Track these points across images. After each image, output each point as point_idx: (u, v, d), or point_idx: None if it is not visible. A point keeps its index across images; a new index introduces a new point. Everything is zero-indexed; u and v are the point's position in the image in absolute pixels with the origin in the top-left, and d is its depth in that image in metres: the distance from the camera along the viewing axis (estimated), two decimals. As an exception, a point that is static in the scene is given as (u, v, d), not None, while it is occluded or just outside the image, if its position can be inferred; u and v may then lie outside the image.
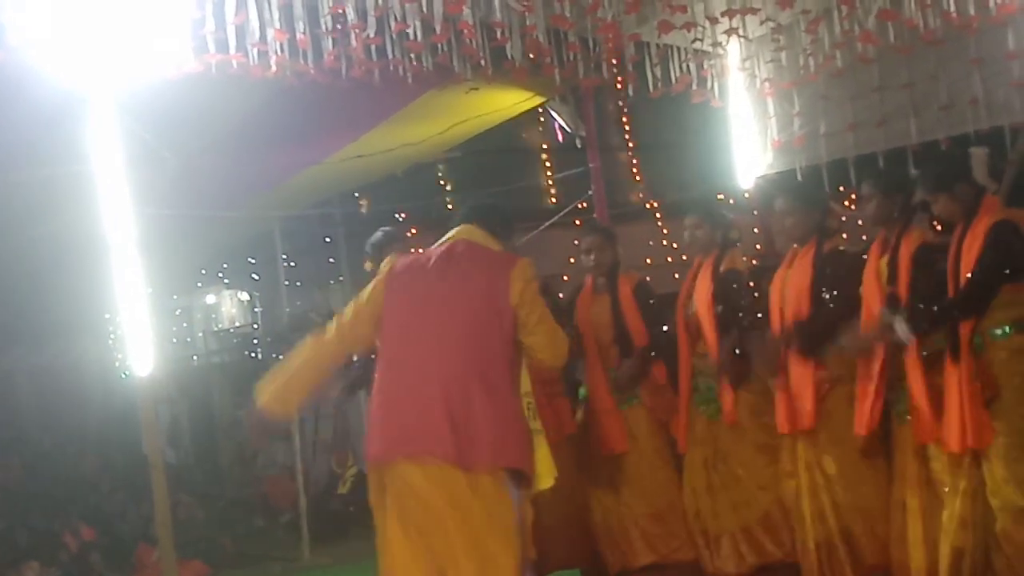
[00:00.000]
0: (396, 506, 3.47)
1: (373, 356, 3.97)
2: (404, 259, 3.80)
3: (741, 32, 5.62)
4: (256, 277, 11.34)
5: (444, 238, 3.85)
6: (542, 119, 11.51)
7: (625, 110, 13.08)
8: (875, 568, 4.53)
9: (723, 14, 5.34)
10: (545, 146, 12.60)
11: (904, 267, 4.33)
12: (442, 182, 12.21)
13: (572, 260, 11.47)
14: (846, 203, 10.66)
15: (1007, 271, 4.00)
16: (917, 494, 4.27)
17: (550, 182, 12.24)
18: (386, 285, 3.69)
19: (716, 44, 5.91)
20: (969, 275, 4.04)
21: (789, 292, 4.75)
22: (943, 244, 4.40)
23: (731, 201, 10.99)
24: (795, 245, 4.89)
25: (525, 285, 3.57)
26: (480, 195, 4.10)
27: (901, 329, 4.10)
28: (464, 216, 3.95)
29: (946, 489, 4.14)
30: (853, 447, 4.52)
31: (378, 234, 5.17)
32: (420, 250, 3.88)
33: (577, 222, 9.03)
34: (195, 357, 13.03)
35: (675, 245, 12.68)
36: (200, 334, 13.06)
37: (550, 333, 3.64)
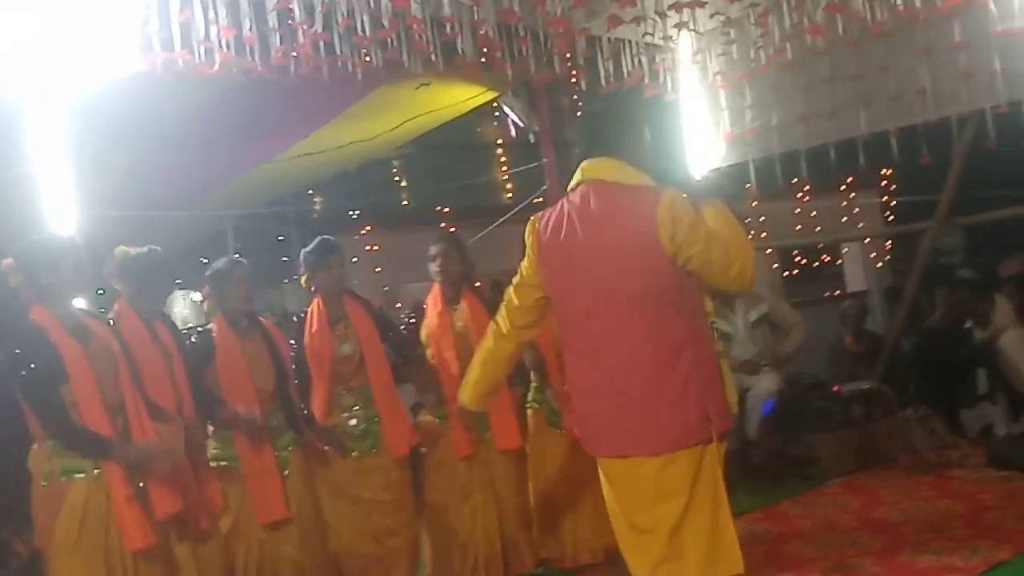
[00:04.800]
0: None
1: None
2: (545, 225, 3.31)
3: (691, 26, 5.64)
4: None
5: (574, 181, 3.32)
6: (497, 114, 11.46)
7: (579, 104, 13.08)
8: None
9: (672, 8, 5.34)
10: (500, 141, 12.56)
11: None
12: (397, 178, 12.14)
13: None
14: (799, 195, 10.81)
15: None
16: None
17: (506, 177, 12.20)
18: (540, 261, 3.31)
19: (667, 38, 5.92)
20: None
21: None
22: None
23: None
24: None
25: (675, 221, 3.01)
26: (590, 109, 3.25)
27: None
28: (586, 143, 3.35)
29: None
30: None
31: (315, 245, 5.02)
32: (561, 204, 3.33)
33: (532, 218, 9.02)
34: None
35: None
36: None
37: (720, 260, 3.06)
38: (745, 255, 3.13)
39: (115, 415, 3.70)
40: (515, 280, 3.47)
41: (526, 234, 3.39)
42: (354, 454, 4.89)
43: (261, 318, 4.94)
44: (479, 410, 3.68)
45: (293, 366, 4.88)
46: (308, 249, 5.03)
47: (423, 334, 5.27)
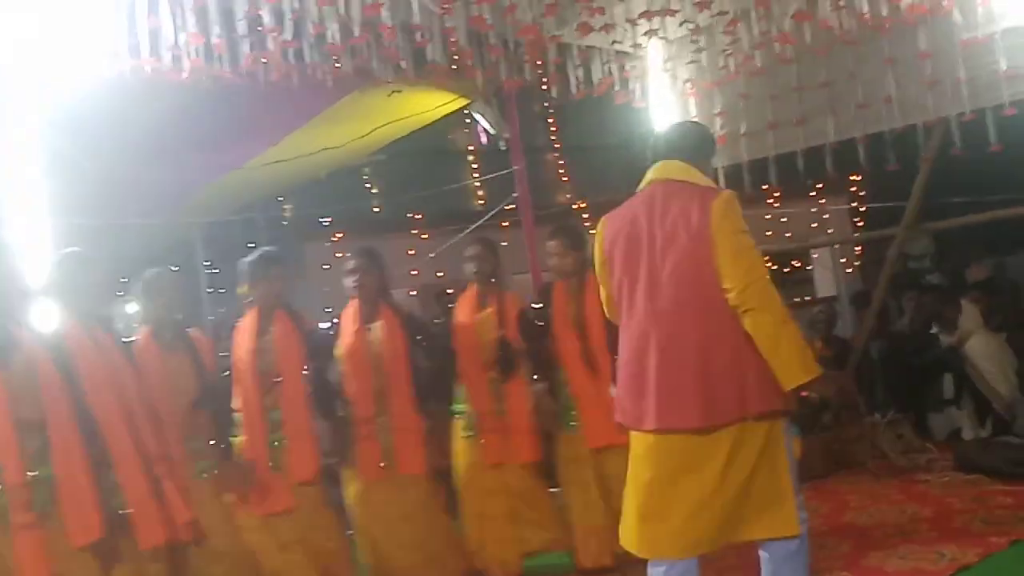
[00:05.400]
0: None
1: None
2: (612, 223, 3.60)
3: (661, 33, 5.67)
4: (179, 284, 11.11)
5: (644, 181, 3.62)
6: (468, 121, 11.48)
7: (551, 111, 13.12)
8: None
9: (641, 15, 5.37)
10: (471, 148, 12.58)
11: None
12: (368, 185, 12.12)
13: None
14: (769, 201, 10.89)
15: None
16: None
17: (477, 184, 12.22)
18: (606, 257, 3.60)
19: (637, 46, 5.96)
20: None
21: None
22: None
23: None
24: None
25: (724, 212, 3.31)
26: (669, 126, 3.92)
27: None
28: (656, 150, 3.66)
29: None
30: None
31: (256, 256, 4.89)
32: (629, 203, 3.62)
33: (505, 224, 9.04)
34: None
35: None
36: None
37: (731, 259, 3.28)
38: (753, 279, 3.29)
39: (29, 434, 3.48)
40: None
41: (596, 236, 3.70)
42: None
43: (189, 330, 4.75)
44: None
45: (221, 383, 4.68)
46: (249, 259, 4.90)
47: (337, 351, 5.08)
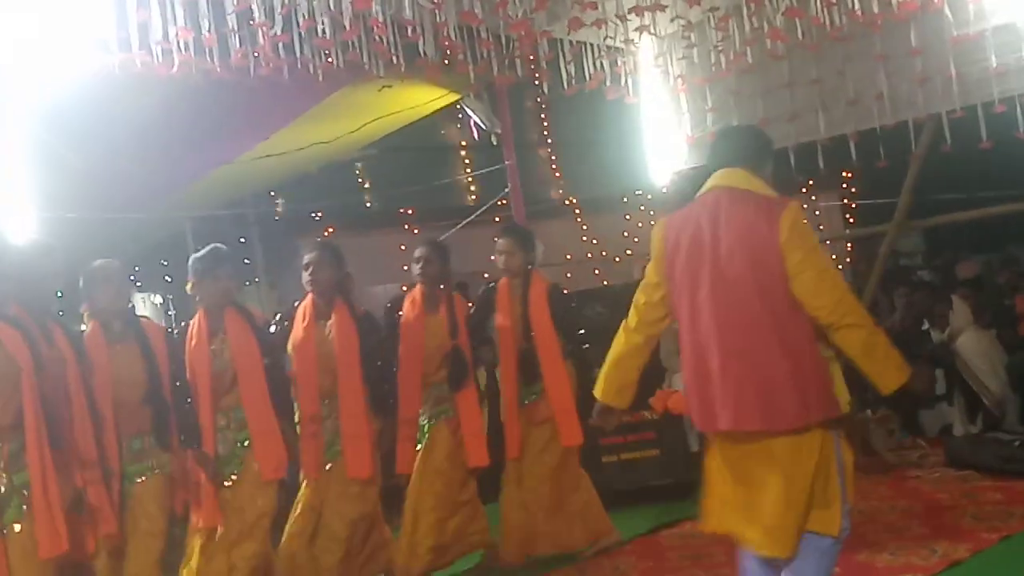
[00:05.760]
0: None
1: None
2: (673, 225, 3.61)
3: (652, 29, 5.66)
4: (169, 279, 11.11)
5: (705, 187, 3.63)
6: (460, 116, 11.47)
7: (544, 107, 13.11)
8: None
9: (632, 11, 5.36)
10: (463, 143, 12.57)
11: None
12: (360, 180, 12.11)
13: (493, 258, 11.55)
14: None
15: None
16: None
17: (469, 179, 12.21)
18: (665, 260, 3.60)
19: (628, 41, 5.95)
20: None
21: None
22: None
23: (648, 196, 11.13)
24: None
25: (793, 225, 3.35)
26: (726, 130, 4.04)
27: None
28: (717, 158, 3.68)
29: None
30: None
31: (205, 252, 4.71)
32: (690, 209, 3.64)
33: (497, 219, 9.03)
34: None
35: (595, 241, 12.79)
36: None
37: (815, 278, 3.33)
38: (834, 291, 3.36)
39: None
40: (643, 280, 3.73)
41: (653, 237, 3.67)
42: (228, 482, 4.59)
43: (142, 320, 4.61)
44: (617, 406, 3.78)
45: (176, 381, 4.53)
46: (197, 255, 4.72)
47: (289, 345, 4.99)
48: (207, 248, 4.73)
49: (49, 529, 3.44)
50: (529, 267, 5.48)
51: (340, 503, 4.89)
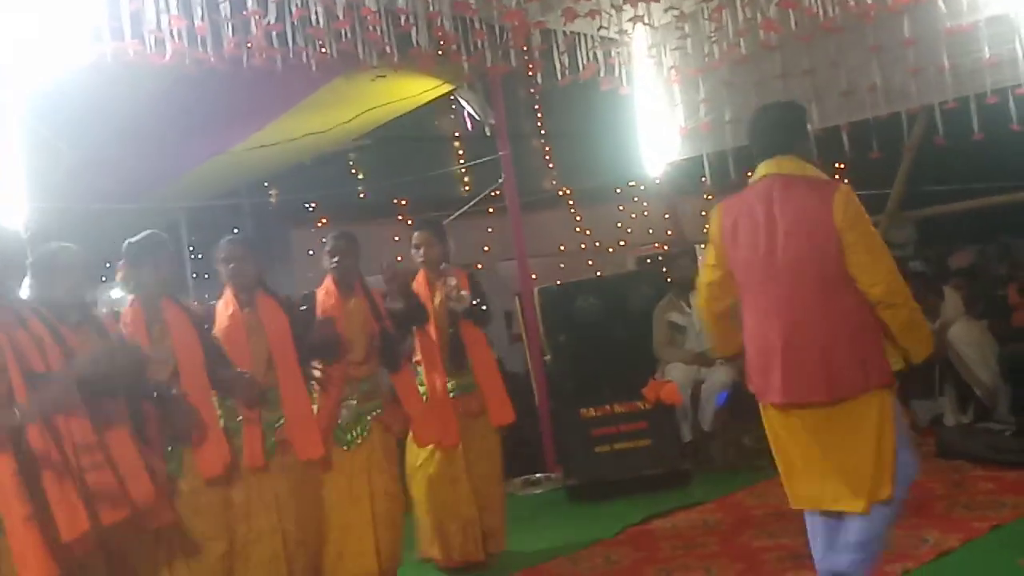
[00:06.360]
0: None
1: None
2: (730, 211, 3.80)
3: (646, 20, 5.67)
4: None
5: (757, 174, 3.78)
6: (454, 107, 11.45)
7: (537, 97, 13.10)
8: None
9: (626, 2, 5.37)
10: (457, 134, 12.55)
11: None
12: (353, 171, 12.09)
13: (487, 248, 11.58)
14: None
15: None
16: None
17: (463, 170, 12.20)
18: (723, 243, 3.80)
19: (622, 32, 5.95)
20: None
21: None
22: None
23: (642, 187, 11.14)
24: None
25: (847, 206, 3.55)
26: (768, 112, 3.97)
27: None
28: (762, 144, 3.82)
29: None
30: None
31: (142, 238, 4.44)
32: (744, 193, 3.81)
33: (490, 210, 9.03)
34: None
35: (588, 231, 12.79)
36: (106, 329, 12.71)
37: (871, 261, 3.56)
38: (887, 272, 3.58)
39: None
40: (703, 263, 4.01)
41: (711, 222, 3.88)
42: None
43: (96, 312, 4.30)
44: (733, 353, 4.04)
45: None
46: (133, 240, 4.43)
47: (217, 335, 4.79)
48: (144, 233, 4.45)
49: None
50: (444, 261, 5.44)
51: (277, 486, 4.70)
